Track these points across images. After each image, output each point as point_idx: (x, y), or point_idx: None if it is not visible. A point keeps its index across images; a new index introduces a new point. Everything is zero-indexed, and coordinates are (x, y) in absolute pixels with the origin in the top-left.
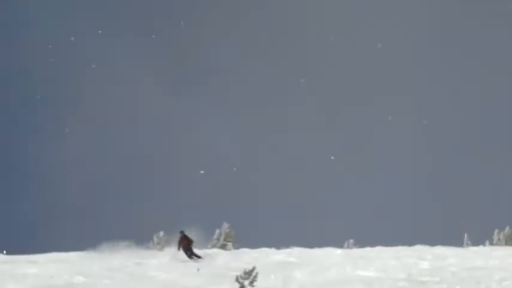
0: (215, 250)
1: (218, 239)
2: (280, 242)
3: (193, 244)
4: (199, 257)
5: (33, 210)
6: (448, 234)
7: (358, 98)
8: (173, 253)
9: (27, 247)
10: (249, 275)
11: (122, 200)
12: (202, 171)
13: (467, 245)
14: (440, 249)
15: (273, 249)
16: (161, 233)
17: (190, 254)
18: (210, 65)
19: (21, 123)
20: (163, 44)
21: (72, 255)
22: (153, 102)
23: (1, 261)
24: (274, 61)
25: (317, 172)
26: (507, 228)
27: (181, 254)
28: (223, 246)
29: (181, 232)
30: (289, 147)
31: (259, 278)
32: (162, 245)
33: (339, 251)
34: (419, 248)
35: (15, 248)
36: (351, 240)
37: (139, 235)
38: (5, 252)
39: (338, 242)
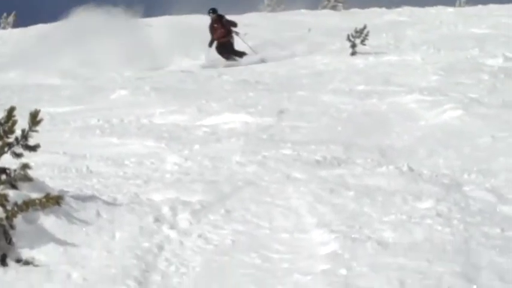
0: (325, 11)
1: (328, 0)
2: (390, 1)
3: (236, 32)
4: (241, 54)
5: None
6: None
7: None
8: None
9: None
10: (360, 33)
11: None
12: None
13: None
14: None
15: (383, 9)
16: None
17: (229, 53)
18: None
19: None
20: None
21: None
22: None
23: None
24: None
25: None
26: None
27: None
28: (333, 7)
29: (212, 11)
30: None
31: (370, 36)
32: None
33: (450, 9)
34: None
35: None
36: None
37: None
38: None
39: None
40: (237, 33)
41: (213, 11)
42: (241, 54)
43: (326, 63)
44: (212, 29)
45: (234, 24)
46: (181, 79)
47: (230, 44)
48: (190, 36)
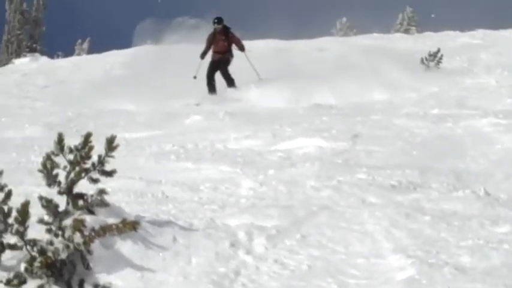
0: (398, 35)
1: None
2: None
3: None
4: (231, 82)
5: None
6: None
7: None
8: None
9: None
10: (434, 56)
11: None
12: None
13: None
14: None
15: (457, 32)
16: None
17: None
18: None
19: None
20: None
21: None
22: None
23: None
24: None
25: None
26: None
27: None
28: (406, 31)
29: (217, 21)
30: None
31: (444, 59)
32: None
33: None
34: None
35: None
36: None
37: None
38: None
39: None
40: (241, 50)
41: (219, 20)
42: (231, 82)
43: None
44: (213, 39)
45: (241, 44)
46: (253, 104)
47: (226, 62)
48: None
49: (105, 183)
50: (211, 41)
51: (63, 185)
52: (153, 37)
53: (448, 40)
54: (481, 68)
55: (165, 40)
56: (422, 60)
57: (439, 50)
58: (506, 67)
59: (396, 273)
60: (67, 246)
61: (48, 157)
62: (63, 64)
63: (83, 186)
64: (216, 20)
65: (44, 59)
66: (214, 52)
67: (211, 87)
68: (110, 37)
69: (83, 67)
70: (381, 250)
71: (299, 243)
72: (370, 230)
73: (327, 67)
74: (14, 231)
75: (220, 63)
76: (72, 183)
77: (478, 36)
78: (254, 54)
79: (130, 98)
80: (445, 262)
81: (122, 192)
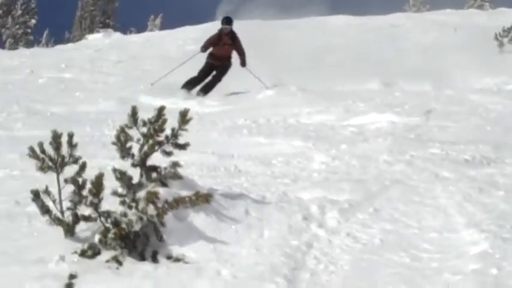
0: (471, 10)
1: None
2: None
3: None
4: (209, 89)
5: None
6: None
7: None
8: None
9: None
10: (508, 32)
11: None
12: None
13: None
14: None
15: None
16: None
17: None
18: None
19: None
20: None
21: None
22: None
23: None
24: None
25: None
26: None
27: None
28: (480, 7)
29: (226, 21)
30: None
31: None
32: None
33: None
34: None
35: None
36: None
37: None
38: None
39: None
40: (243, 64)
41: (228, 21)
42: (209, 89)
43: (473, 62)
44: (217, 40)
45: (245, 57)
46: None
47: (225, 70)
48: None
49: (178, 156)
50: (214, 42)
51: (136, 157)
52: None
53: None
54: None
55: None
56: (496, 36)
57: None
58: None
59: (469, 247)
60: (140, 218)
61: (122, 130)
62: (135, 40)
63: (156, 159)
64: (225, 20)
65: (117, 35)
66: (215, 55)
67: (193, 85)
68: (182, 13)
69: (155, 43)
70: (454, 224)
71: (371, 217)
72: (443, 205)
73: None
74: (88, 203)
75: (218, 70)
76: (145, 156)
77: None
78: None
79: None
80: None
81: (195, 165)
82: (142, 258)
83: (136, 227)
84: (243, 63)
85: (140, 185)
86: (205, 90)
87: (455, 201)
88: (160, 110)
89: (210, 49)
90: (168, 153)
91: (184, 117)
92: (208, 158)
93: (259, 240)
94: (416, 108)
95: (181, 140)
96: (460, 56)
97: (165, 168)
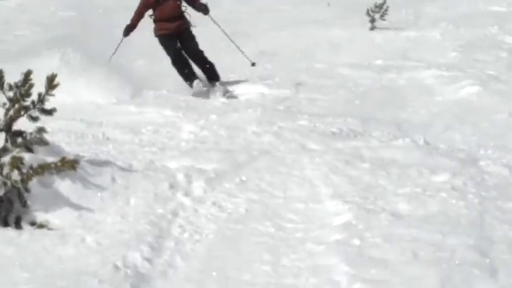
0: None
1: None
2: None
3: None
4: (211, 68)
5: None
6: None
7: None
8: None
9: None
10: (380, 8)
11: None
12: None
13: None
14: None
15: None
16: None
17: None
18: None
19: None
20: None
21: None
22: None
23: None
24: None
25: None
26: None
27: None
28: None
29: None
30: None
31: (390, 11)
32: None
33: None
34: None
35: None
36: None
37: None
38: None
39: None
40: (204, 12)
41: None
42: (212, 69)
43: (344, 37)
44: (154, 1)
45: (200, 2)
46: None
47: (188, 33)
48: None
49: (45, 123)
50: (149, 5)
51: (1, 122)
52: None
53: None
54: (426, 22)
55: None
56: (367, 11)
57: (384, 2)
58: (451, 21)
59: (333, 218)
60: (4, 184)
61: None
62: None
63: (22, 124)
64: None
65: None
66: (162, 21)
67: (190, 75)
68: None
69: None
70: (319, 195)
71: (238, 186)
72: (309, 176)
73: None
74: None
75: (183, 42)
76: (11, 121)
77: None
78: None
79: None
80: (382, 208)
81: (62, 132)
82: (5, 224)
83: (0, 192)
84: (204, 10)
85: (5, 150)
86: (212, 76)
87: (322, 172)
88: (27, 75)
89: (149, 18)
90: (34, 119)
91: (51, 82)
92: (77, 125)
93: (125, 208)
94: (287, 80)
95: (48, 106)
96: (330, 30)
97: (31, 134)
